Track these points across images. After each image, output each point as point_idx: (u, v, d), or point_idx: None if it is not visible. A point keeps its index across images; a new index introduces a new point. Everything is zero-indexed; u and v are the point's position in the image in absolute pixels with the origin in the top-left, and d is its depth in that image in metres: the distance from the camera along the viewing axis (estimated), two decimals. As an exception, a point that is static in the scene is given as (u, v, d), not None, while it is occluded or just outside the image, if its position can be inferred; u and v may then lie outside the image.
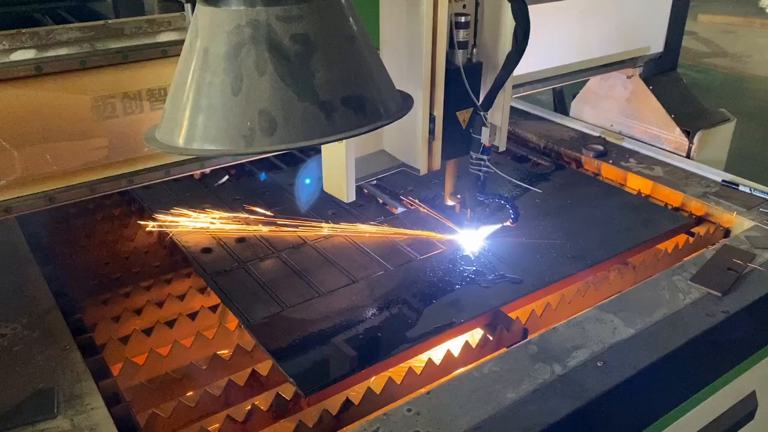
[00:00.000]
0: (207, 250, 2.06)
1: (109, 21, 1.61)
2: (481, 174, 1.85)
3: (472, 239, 1.99)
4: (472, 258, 1.96)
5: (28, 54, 1.47)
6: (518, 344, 1.57)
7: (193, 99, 1.12)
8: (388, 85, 1.26)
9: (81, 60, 1.54)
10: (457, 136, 1.80)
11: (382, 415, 1.36)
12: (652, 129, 2.78)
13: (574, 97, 3.13)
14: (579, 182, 2.53)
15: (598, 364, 1.50)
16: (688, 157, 2.65)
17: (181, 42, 1.57)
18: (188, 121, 1.12)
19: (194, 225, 2.09)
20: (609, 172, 2.59)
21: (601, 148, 2.69)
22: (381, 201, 2.36)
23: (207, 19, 1.11)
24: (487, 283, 1.86)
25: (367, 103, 1.16)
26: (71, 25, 1.59)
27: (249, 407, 1.48)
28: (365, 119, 1.15)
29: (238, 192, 2.43)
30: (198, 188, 2.47)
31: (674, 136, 2.71)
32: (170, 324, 1.78)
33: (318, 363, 1.55)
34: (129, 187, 1.70)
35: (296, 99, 1.08)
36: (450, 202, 2.02)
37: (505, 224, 2.00)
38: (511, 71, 1.69)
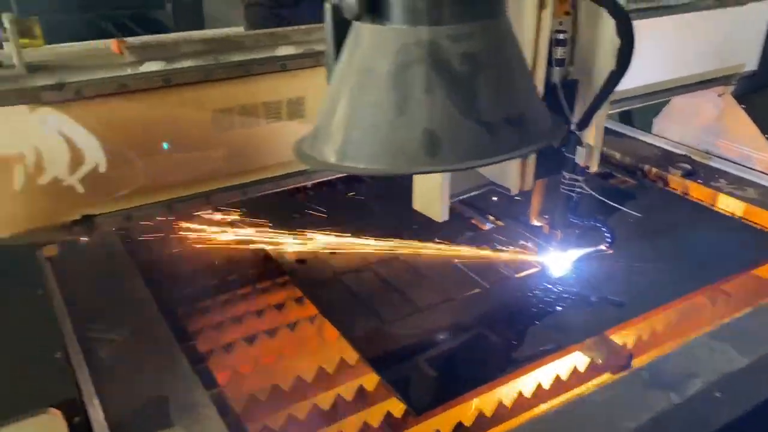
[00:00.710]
0: (302, 261, 2.09)
1: (231, 34, 1.65)
2: (574, 195, 1.85)
3: (562, 261, 1.98)
4: (570, 279, 1.96)
5: (156, 66, 1.52)
6: (630, 370, 1.57)
7: (353, 117, 1.14)
8: (542, 106, 1.27)
9: (205, 72, 1.58)
10: (549, 156, 1.80)
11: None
12: (743, 149, 2.74)
13: (656, 114, 3.10)
14: (668, 202, 2.51)
15: (717, 395, 1.48)
16: None
17: (299, 56, 1.63)
18: (345, 139, 1.14)
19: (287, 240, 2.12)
20: (698, 192, 2.56)
21: (688, 167, 2.66)
22: (467, 216, 2.36)
23: (369, 38, 1.13)
24: (589, 305, 1.85)
25: (527, 124, 1.17)
26: (195, 37, 1.64)
27: (361, 424, 1.49)
28: (526, 140, 1.16)
29: (323, 203, 2.45)
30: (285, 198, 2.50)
31: (767, 156, 2.66)
32: (271, 333, 1.81)
33: (426, 381, 1.57)
34: (242, 198, 1.74)
35: (461, 119, 1.09)
36: (537, 223, 2.01)
37: (599, 248, 1.99)
38: (612, 90, 1.68)
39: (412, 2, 1.08)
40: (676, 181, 2.66)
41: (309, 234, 2.17)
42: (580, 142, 1.75)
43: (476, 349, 1.67)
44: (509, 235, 2.22)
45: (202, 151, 1.64)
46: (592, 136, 1.84)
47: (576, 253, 2.00)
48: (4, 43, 1.41)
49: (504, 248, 2.13)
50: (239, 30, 1.69)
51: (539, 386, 1.58)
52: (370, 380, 1.64)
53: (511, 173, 1.75)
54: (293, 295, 2.01)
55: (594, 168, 1.87)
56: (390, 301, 1.91)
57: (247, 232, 2.18)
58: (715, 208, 2.48)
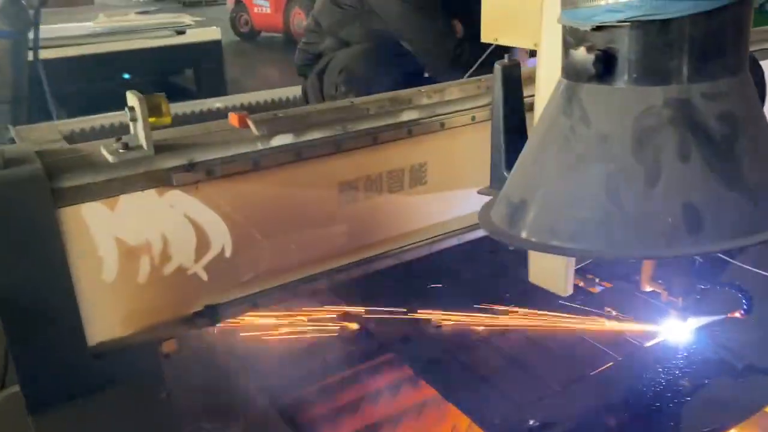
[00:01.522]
0: (406, 339, 1.95)
1: (354, 100, 1.53)
2: (700, 257, 1.73)
3: (688, 329, 1.85)
4: (707, 347, 1.82)
5: (286, 139, 1.40)
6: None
7: (582, 192, 1.00)
8: None
9: (335, 143, 1.46)
10: None
11: None
12: None
13: None
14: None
15: None
16: None
17: (423, 120, 1.52)
18: (573, 218, 0.99)
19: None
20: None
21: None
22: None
23: (599, 101, 1.00)
24: (738, 375, 1.71)
25: None
26: (322, 107, 1.52)
27: None
28: None
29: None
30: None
31: None
32: (394, 423, 1.66)
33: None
34: (361, 275, 1.61)
35: (725, 189, 0.95)
36: (648, 288, 1.88)
37: (732, 315, 1.86)
38: None
39: (659, 58, 0.94)
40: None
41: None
42: None
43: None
44: (622, 299, 2.09)
45: (326, 227, 1.51)
46: None
47: (705, 320, 1.87)
48: (131, 124, 1.28)
49: (622, 315, 1.99)
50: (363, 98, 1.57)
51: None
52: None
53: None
54: (404, 376, 1.86)
55: None
56: (516, 379, 1.76)
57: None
58: None
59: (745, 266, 1.99)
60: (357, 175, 1.51)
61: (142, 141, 1.28)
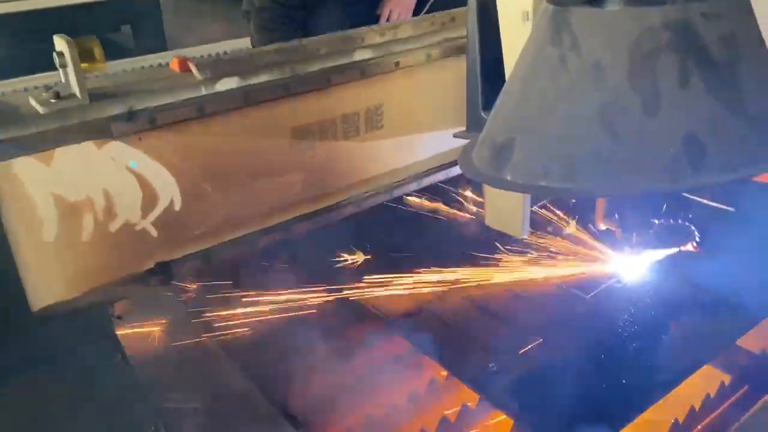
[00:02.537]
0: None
1: (303, 40, 1.47)
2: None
3: (641, 266, 1.87)
4: (669, 285, 1.84)
5: (232, 82, 1.34)
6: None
7: (574, 124, 0.94)
8: None
9: (285, 86, 1.40)
10: None
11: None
12: None
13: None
14: (755, 192, 2.40)
15: None
16: None
17: (375, 58, 1.47)
18: (567, 153, 0.94)
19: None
20: None
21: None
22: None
23: (592, 25, 0.95)
24: (707, 312, 1.73)
25: None
26: (269, 48, 1.45)
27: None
28: None
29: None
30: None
31: None
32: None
33: (569, 423, 1.42)
34: (323, 225, 1.57)
35: (728, 116, 0.91)
36: (603, 226, 1.88)
37: (685, 248, 1.88)
38: None
39: None
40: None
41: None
42: None
43: (609, 379, 1.53)
44: (581, 240, 2.09)
45: (280, 176, 1.46)
46: None
47: (657, 255, 1.89)
48: (61, 71, 1.20)
49: (584, 255, 1.99)
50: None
51: (691, 412, 1.46)
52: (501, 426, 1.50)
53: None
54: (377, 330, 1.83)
55: None
56: (494, 331, 1.75)
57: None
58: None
59: (694, 198, 2.02)
60: (310, 120, 1.46)
61: (75, 89, 1.20)
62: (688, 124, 0.90)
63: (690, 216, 1.78)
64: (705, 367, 1.59)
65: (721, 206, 2.07)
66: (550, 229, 2.03)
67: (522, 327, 1.72)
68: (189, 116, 1.30)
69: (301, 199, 1.52)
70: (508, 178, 1.00)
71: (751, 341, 1.65)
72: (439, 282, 1.85)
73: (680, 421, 1.44)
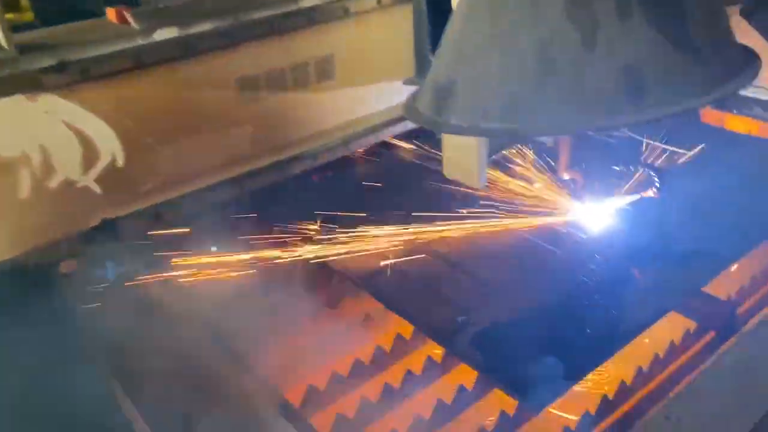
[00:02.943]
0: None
1: (246, -13, 1.43)
2: (612, 139, 1.70)
3: (605, 213, 1.84)
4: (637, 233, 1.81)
5: (171, 32, 1.30)
6: (755, 322, 1.44)
7: (512, 62, 0.92)
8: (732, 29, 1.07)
9: (228, 34, 1.37)
10: None
11: (641, 426, 1.22)
12: None
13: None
14: (710, 137, 2.37)
15: None
16: None
17: (324, 4, 1.43)
18: (506, 92, 0.92)
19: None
20: (735, 123, 2.43)
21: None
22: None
23: None
24: (677, 261, 1.70)
25: (733, 52, 0.97)
26: (208, -5, 1.42)
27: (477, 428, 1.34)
28: (733, 72, 0.94)
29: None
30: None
31: None
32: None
33: (532, 370, 1.41)
34: (279, 180, 1.54)
35: (671, 48, 0.88)
36: (566, 176, 1.85)
37: (646, 195, 1.85)
38: None
39: None
40: (709, 114, 2.53)
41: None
42: None
43: (572, 327, 1.52)
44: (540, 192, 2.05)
45: (228, 129, 1.43)
46: None
47: (619, 202, 1.86)
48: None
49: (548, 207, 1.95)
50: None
51: (656, 358, 1.44)
52: (463, 373, 1.48)
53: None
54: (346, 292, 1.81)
55: None
56: (458, 286, 1.73)
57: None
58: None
59: (655, 143, 1.99)
60: (257, 71, 1.42)
61: (2, 40, 1.17)
62: (628, 56, 0.87)
63: (649, 162, 1.75)
64: (671, 314, 1.57)
65: (680, 150, 2.04)
66: (514, 179, 2.01)
67: (486, 279, 1.70)
68: (125, 67, 1.27)
69: (252, 152, 1.49)
70: (450, 121, 0.98)
71: (717, 288, 1.63)
72: (401, 236, 1.83)
73: (644, 369, 1.42)
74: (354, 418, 1.39)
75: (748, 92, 2.57)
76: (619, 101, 0.86)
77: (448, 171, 1.55)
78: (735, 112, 2.45)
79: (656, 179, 1.70)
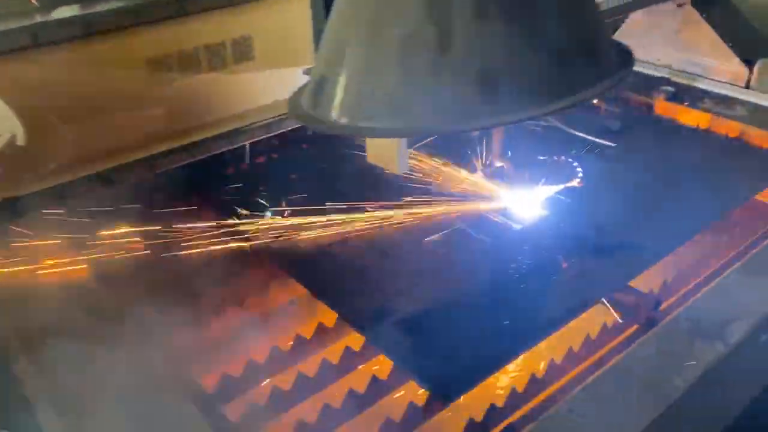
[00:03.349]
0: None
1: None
2: (539, 129, 1.70)
3: (532, 202, 1.83)
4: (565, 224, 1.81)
5: (71, 10, 1.27)
6: (666, 321, 1.43)
7: (373, 62, 0.90)
8: (606, 30, 1.06)
9: (134, 13, 1.33)
10: None
11: (545, 420, 1.22)
12: (705, 61, 2.62)
13: (614, 31, 2.98)
14: (658, 129, 2.38)
15: (764, 337, 1.37)
16: (747, 88, 2.49)
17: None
18: (366, 91, 0.91)
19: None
20: (686, 116, 2.44)
21: (671, 89, 2.53)
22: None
23: None
24: (604, 254, 1.70)
25: (600, 52, 0.95)
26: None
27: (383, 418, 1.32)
28: (601, 74, 0.93)
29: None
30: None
31: (731, 66, 2.54)
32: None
33: (448, 360, 1.40)
34: (191, 160, 1.51)
35: (528, 51, 0.86)
36: (498, 163, 1.85)
37: (570, 184, 1.85)
38: None
39: None
40: (662, 106, 2.53)
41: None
42: None
43: (493, 318, 1.50)
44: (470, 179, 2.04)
45: (138, 109, 1.40)
46: None
47: (546, 191, 1.86)
48: None
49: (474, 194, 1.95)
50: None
51: (570, 351, 1.44)
52: (380, 364, 1.47)
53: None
54: (276, 277, 1.79)
55: None
56: (384, 274, 1.71)
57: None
58: (711, 132, 2.36)
59: (577, 134, 1.98)
60: (167, 51, 1.39)
61: None
62: (484, 59, 0.86)
63: (573, 152, 1.75)
64: (597, 306, 1.57)
65: (604, 142, 2.02)
66: (445, 166, 2.00)
67: (414, 268, 1.69)
68: (22, 45, 1.23)
69: (166, 133, 1.46)
70: (320, 118, 0.96)
71: (644, 282, 1.63)
72: (329, 223, 1.81)
73: (557, 362, 1.42)
74: (265, 407, 1.37)
75: (702, 84, 2.58)
76: (474, 104, 0.85)
77: (371, 156, 1.54)
78: (687, 104, 2.45)
79: (579, 170, 1.70)
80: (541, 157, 1.69)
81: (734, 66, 2.53)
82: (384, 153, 1.50)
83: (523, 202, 1.80)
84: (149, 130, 1.43)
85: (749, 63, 2.49)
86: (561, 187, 1.78)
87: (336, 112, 0.93)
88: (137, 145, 1.43)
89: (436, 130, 0.91)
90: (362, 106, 0.90)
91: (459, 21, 0.85)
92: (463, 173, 1.94)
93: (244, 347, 1.58)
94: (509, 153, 1.72)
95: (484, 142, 1.73)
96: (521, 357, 1.48)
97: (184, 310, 1.57)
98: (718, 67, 2.57)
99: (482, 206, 1.85)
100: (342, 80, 0.93)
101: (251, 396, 1.45)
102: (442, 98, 0.86)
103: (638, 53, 2.72)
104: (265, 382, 1.47)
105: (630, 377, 1.29)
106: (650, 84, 2.58)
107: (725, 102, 2.43)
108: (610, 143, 2.07)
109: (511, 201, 1.82)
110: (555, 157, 1.69)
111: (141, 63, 1.37)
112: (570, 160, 1.71)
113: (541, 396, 1.37)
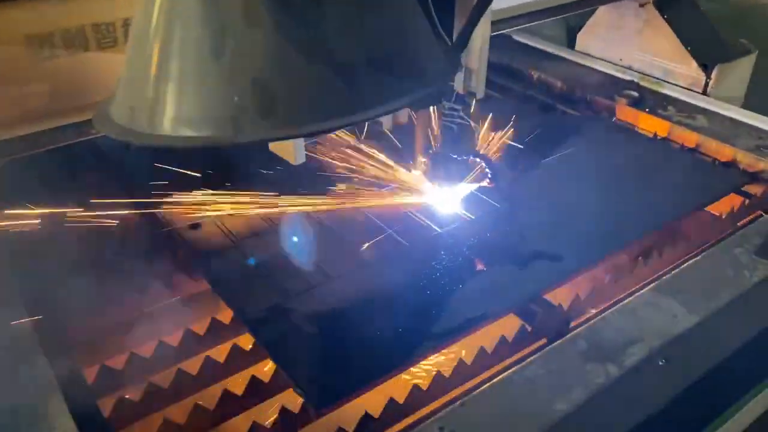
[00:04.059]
0: (195, 226, 1.82)
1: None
2: (454, 127, 1.65)
3: (449, 201, 1.81)
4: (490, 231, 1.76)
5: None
6: (563, 340, 1.39)
7: (158, 64, 0.85)
8: (425, 35, 1.01)
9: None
10: None
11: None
12: (666, 63, 2.60)
13: (579, 29, 2.93)
14: (612, 136, 2.33)
15: (660, 363, 1.32)
16: (704, 93, 2.48)
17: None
18: (152, 97, 0.86)
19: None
20: (647, 122, 2.39)
21: (635, 94, 2.48)
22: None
23: None
24: (520, 263, 1.65)
25: (401, 64, 0.90)
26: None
27: (249, 423, 1.28)
28: (401, 87, 0.88)
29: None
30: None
31: (690, 70, 2.52)
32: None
33: (330, 368, 1.36)
34: (78, 140, 1.47)
35: (304, 62, 0.81)
36: (421, 159, 1.82)
37: (482, 185, 1.80)
38: (490, 2, 1.44)
39: None
40: (623, 111, 2.48)
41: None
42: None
43: (391, 326, 1.46)
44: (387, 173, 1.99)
45: (18, 85, 1.35)
46: (475, 58, 1.62)
47: (461, 191, 1.81)
48: None
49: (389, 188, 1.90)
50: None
51: (461, 363, 1.39)
52: (268, 368, 1.43)
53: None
54: (184, 267, 1.75)
55: (480, 94, 1.69)
56: (297, 270, 1.66)
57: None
58: (669, 140, 2.31)
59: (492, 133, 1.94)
60: (49, 29, 1.34)
61: None
62: (257, 69, 0.80)
63: (481, 153, 1.70)
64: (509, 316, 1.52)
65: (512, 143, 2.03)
66: (366, 159, 1.96)
67: (322, 268, 1.65)
68: None
69: (50, 111, 1.41)
70: (106, 125, 0.92)
71: (559, 295, 1.59)
72: (241, 206, 1.79)
73: (445, 375, 1.38)
74: (138, 404, 1.34)
75: (665, 90, 2.52)
76: (246, 118, 0.80)
77: (272, 147, 1.51)
78: (647, 111, 2.41)
79: (488, 170, 1.66)
80: (454, 156, 1.65)
81: (693, 71, 2.47)
82: (282, 143, 1.46)
83: (442, 200, 1.79)
84: (32, 107, 1.38)
85: (706, 68, 2.44)
86: (474, 186, 1.74)
87: (124, 118, 0.89)
88: (21, 121, 1.38)
89: (208, 143, 0.85)
90: (127, 111, 0.86)
91: (230, 28, 0.80)
92: (387, 166, 1.91)
93: (133, 339, 1.54)
94: (431, 150, 1.68)
95: (415, 136, 1.69)
96: (418, 366, 1.43)
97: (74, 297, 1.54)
98: (676, 70, 2.52)
99: (402, 200, 1.84)
100: (122, 85, 0.91)
101: (128, 391, 1.42)
102: (213, 107, 0.81)
103: (602, 52, 2.71)
104: (145, 377, 1.43)
105: (511, 396, 1.25)
106: (615, 87, 2.53)
107: (686, 110, 2.38)
108: (518, 145, 2.06)
109: (431, 198, 1.80)
110: (465, 157, 1.66)
111: (20, 40, 1.32)
112: (480, 160, 1.67)
113: (424, 410, 1.33)
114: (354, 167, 1.92)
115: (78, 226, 1.71)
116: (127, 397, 1.35)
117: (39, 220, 1.72)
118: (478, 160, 1.67)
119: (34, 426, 1.19)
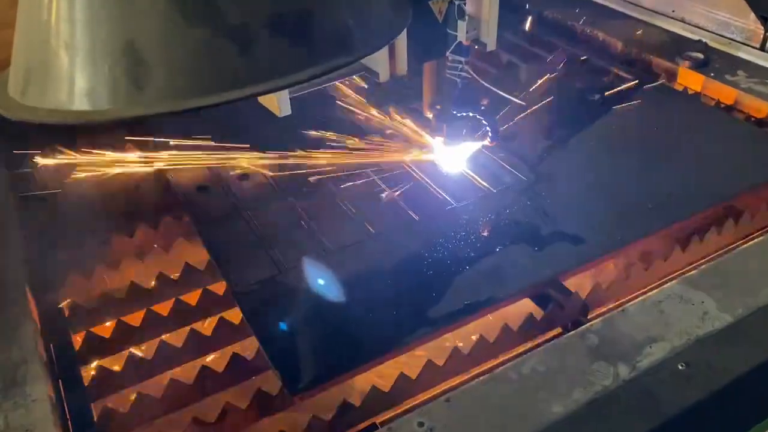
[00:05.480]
0: (203, 188, 1.79)
1: None
2: (458, 81, 1.57)
3: (451, 160, 1.75)
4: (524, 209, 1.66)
5: None
6: (572, 333, 1.29)
7: (31, 30, 0.81)
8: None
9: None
10: (431, 33, 1.50)
11: (385, 429, 1.12)
12: (721, 14, 2.42)
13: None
14: (669, 103, 2.16)
15: (680, 367, 1.21)
16: (762, 48, 2.28)
17: None
18: (26, 66, 0.82)
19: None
20: (711, 89, 2.21)
21: (700, 56, 2.29)
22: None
23: None
24: (540, 243, 1.55)
25: (318, 26, 0.80)
26: None
27: (223, 405, 1.25)
28: (314, 54, 0.79)
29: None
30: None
31: (747, 23, 2.34)
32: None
33: (314, 350, 1.30)
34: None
35: (184, 24, 0.73)
36: (428, 114, 1.72)
37: (484, 144, 1.71)
38: None
39: None
40: (685, 75, 2.31)
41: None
42: (462, 14, 1.44)
43: (388, 306, 1.39)
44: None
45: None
46: (485, 7, 1.52)
47: (464, 151, 1.75)
48: None
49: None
50: None
51: (455, 352, 1.32)
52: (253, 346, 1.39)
53: (377, 55, 1.39)
54: (188, 233, 1.73)
55: (491, 46, 1.59)
56: (297, 241, 1.62)
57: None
58: (735, 111, 2.13)
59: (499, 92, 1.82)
60: None
61: None
62: (127, 30, 0.73)
63: (483, 109, 1.60)
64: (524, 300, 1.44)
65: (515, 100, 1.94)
66: (369, 117, 1.94)
67: (324, 239, 1.60)
68: None
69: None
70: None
71: (574, 281, 1.49)
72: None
73: (438, 364, 1.31)
74: (119, 374, 1.33)
75: (738, 52, 2.33)
76: (119, 89, 0.75)
77: (260, 99, 1.45)
78: (712, 75, 2.25)
79: (488, 128, 1.56)
80: (458, 113, 1.56)
81: (750, 23, 2.28)
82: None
83: (449, 158, 1.74)
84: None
85: (766, 21, 2.23)
86: (477, 145, 1.69)
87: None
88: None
89: (77, 119, 0.78)
90: (20, 82, 0.81)
91: None
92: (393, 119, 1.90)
93: (123, 309, 1.53)
94: (438, 106, 1.60)
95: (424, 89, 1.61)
96: (412, 353, 1.37)
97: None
98: (732, 23, 2.38)
99: (408, 156, 1.80)
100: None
101: (110, 361, 1.42)
102: (87, 76, 0.75)
103: (654, 3, 2.53)
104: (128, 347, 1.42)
105: (503, 394, 1.17)
106: (680, 47, 2.36)
107: (758, 75, 2.19)
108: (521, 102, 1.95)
109: (438, 155, 1.76)
110: (468, 114, 1.57)
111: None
112: (477, 116, 1.58)
113: (410, 401, 1.27)
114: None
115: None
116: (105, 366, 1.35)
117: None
118: (478, 116, 1.57)
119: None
